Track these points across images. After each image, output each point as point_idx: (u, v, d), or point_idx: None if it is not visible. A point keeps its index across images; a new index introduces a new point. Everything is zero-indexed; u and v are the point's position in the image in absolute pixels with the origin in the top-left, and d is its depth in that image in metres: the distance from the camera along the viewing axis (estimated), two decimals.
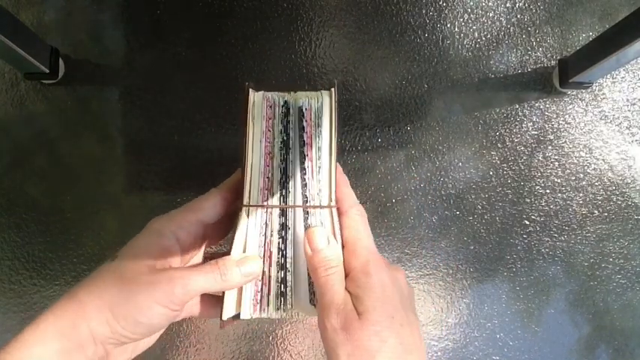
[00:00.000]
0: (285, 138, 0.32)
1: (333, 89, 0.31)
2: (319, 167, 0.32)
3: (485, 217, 0.63)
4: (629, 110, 0.65)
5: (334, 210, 0.32)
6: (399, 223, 0.62)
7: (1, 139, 0.62)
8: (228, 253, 0.33)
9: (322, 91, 0.32)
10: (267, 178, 0.32)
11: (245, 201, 0.32)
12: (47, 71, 0.59)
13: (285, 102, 0.31)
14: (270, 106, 0.31)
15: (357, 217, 0.32)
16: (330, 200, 0.32)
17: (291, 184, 0.32)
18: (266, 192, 0.32)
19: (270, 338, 0.60)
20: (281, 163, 0.32)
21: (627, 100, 0.65)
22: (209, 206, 0.34)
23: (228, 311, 0.33)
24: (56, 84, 0.61)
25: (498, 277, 0.62)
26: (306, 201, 0.32)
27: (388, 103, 0.63)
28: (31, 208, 0.61)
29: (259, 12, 0.64)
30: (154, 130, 0.62)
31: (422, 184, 0.63)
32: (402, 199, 0.62)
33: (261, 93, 0.31)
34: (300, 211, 0.32)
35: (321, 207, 0.32)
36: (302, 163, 0.32)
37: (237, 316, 0.33)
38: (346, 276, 0.31)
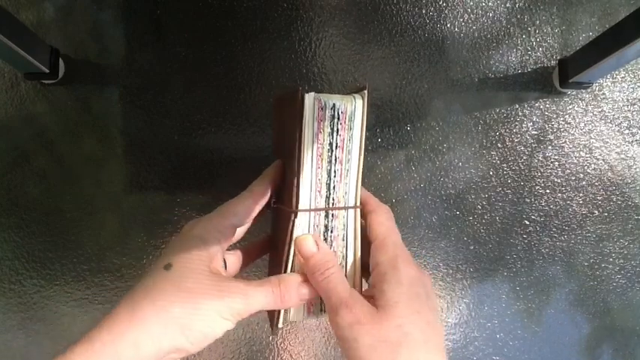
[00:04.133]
0: (331, 140, 0.32)
1: (365, 91, 0.32)
2: (348, 170, 0.32)
3: (485, 217, 0.63)
4: (629, 110, 0.65)
5: (358, 211, 0.33)
6: (399, 223, 0.62)
7: (1, 139, 0.62)
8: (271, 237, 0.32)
9: (354, 94, 0.32)
10: (319, 179, 0.32)
11: (299, 205, 0.32)
12: (47, 71, 0.59)
13: (334, 104, 0.31)
14: (322, 108, 0.31)
15: (386, 215, 0.33)
16: (356, 201, 0.33)
17: (324, 187, 0.32)
18: (317, 194, 0.32)
19: (270, 339, 0.60)
20: (327, 165, 0.32)
21: (627, 100, 0.65)
22: (241, 210, 0.33)
23: (293, 316, 0.33)
24: (56, 84, 0.61)
25: (498, 277, 0.62)
26: (333, 203, 0.32)
27: (388, 103, 0.63)
28: (31, 208, 0.61)
29: (259, 12, 0.63)
30: (154, 130, 0.62)
31: (422, 184, 0.63)
32: (402, 199, 0.62)
33: (312, 94, 0.31)
34: (338, 213, 0.33)
35: (346, 208, 0.33)
36: (334, 165, 0.32)
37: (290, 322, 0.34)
38: (373, 270, 0.31)
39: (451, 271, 0.62)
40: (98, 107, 0.62)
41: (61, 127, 0.62)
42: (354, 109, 0.31)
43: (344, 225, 0.33)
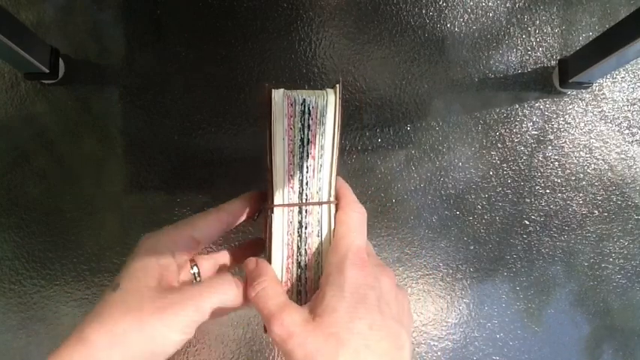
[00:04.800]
0: (302, 136, 0.32)
1: (338, 86, 0.31)
2: (321, 165, 0.32)
3: (485, 217, 0.63)
4: (629, 110, 0.65)
5: (332, 206, 0.33)
6: (399, 223, 0.62)
7: (1, 139, 0.62)
8: (262, 240, 0.32)
9: (327, 89, 0.32)
10: (290, 176, 0.32)
11: (274, 201, 0.32)
12: (47, 71, 0.59)
13: (304, 100, 0.31)
14: (291, 104, 0.31)
15: (352, 214, 0.32)
16: (330, 196, 0.32)
17: (296, 183, 0.32)
18: (290, 190, 0.32)
19: (270, 339, 0.60)
20: (299, 160, 0.32)
21: (627, 100, 0.65)
22: (202, 224, 0.33)
23: None
24: (56, 84, 0.61)
25: (498, 277, 0.62)
26: (307, 199, 0.32)
27: (388, 103, 0.63)
28: (31, 208, 0.61)
29: (259, 12, 0.63)
30: (154, 130, 0.62)
31: (422, 184, 0.63)
32: (402, 199, 0.62)
33: (281, 91, 0.31)
34: (312, 209, 0.32)
35: (320, 204, 0.32)
36: (306, 161, 0.32)
37: None
38: (324, 271, 0.30)
39: (451, 271, 0.62)
40: (98, 107, 0.62)
41: (61, 127, 0.62)
42: (326, 104, 0.31)
43: (318, 221, 0.32)
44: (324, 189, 0.32)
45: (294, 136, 0.32)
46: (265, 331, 0.30)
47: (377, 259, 0.33)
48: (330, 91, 0.32)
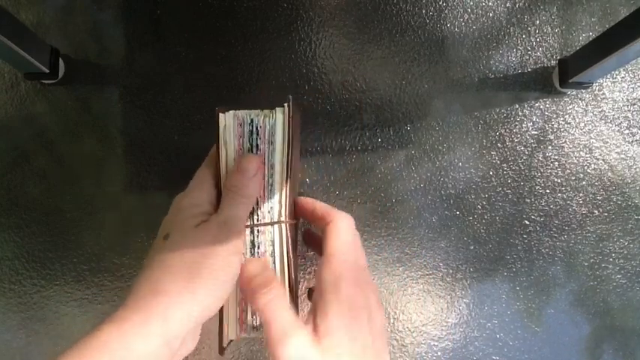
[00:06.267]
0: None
1: (286, 105, 0.32)
2: (271, 185, 0.32)
3: (485, 217, 0.63)
4: (629, 110, 0.65)
5: (284, 226, 0.32)
6: (399, 223, 0.62)
7: (1, 139, 0.62)
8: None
9: (277, 108, 0.32)
10: None
11: None
12: (47, 71, 0.59)
13: (252, 120, 0.32)
14: (240, 125, 0.32)
15: (342, 226, 0.32)
16: (281, 215, 0.32)
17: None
18: None
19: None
20: None
21: (627, 100, 0.65)
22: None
23: (231, 335, 0.33)
24: (56, 84, 0.61)
25: (498, 277, 0.62)
26: (257, 219, 0.32)
27: (388, 103, 0.63)
28: (31, 208, 0.61)
29: (259, 12, 0.63)
30: (154, 130, 0.62)
31: (422, 184, 0.63)
32: (402, 199, 0.62)
33: (232, 112, 0.32)
34: (265, 228, 0.32)
35: (272, 224, 0.32)
36: (267, 179, 0.32)
37: (230, 341, 0.33)
38: (315, 286, 0.30)
39: (451, 271, 0.62)
40: (98, 107, 0.62)
41: (61, 127, 0.62)
42: (275, 122, 0.31)
43: (271, 241, 0.32)
44: (274, 208, 0.32)
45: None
46: (220, 351, 0.30)
47: (366, 271, 0.32)
48: (279, 109, 0.32)
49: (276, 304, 0.29)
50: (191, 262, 0.28)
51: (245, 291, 0.31)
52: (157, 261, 0.28)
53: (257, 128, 0.32)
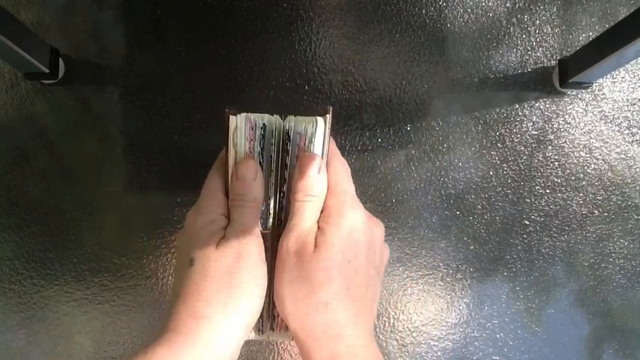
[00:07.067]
0: (261, 160, 0.32)
1: (328, 116, 0.31)
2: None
3: (485, 217, 0.63)
4: (629, 110, 0.65)
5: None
6: (399, 223, 0.62)
7: (1, 139, 0.62)
8: None
9: (317, 118, 0.31)
10: None
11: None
12: (47, 71, 0.59)
13: (264, 124, 0.31)
14: (252, 128, 0.31)
15: (340, 166, 0.32)
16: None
17: (271, 206, 0.32)
18: None
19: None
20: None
21: (627, 100, 0.65)
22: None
23: None
24: (56, 84, 0.61)
25: (498, 277, 0.62)
26: (281, 224, 0.32)
27: (388, 103, 0.63)
28: (31, 208, 0.61)
29: (259, 12, 0.64)
30: (154, 130, 0.62)
31: (422, 184, 0.63)
32: (402, 199, 0.62)
33: (244, 115, 0.31)
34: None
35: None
36: (281, 186, 0.32)
37: None
38: (320, 215, 0.31)
39: (451, 271, 0.62)
40: (98, 107, 0.62)
41: (61, 127, 0.62)
42: (315, 131, 0.31)
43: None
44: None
45: (254, 159, 0.32)
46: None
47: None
48: (320, 119, 0.31)
49: (309, 207, 0.30)
50: (223, 285, 0.28)
51: (294, 180, 0.31)
52: (190, 288, 0.29)
53: (289, 134, 0.31)
